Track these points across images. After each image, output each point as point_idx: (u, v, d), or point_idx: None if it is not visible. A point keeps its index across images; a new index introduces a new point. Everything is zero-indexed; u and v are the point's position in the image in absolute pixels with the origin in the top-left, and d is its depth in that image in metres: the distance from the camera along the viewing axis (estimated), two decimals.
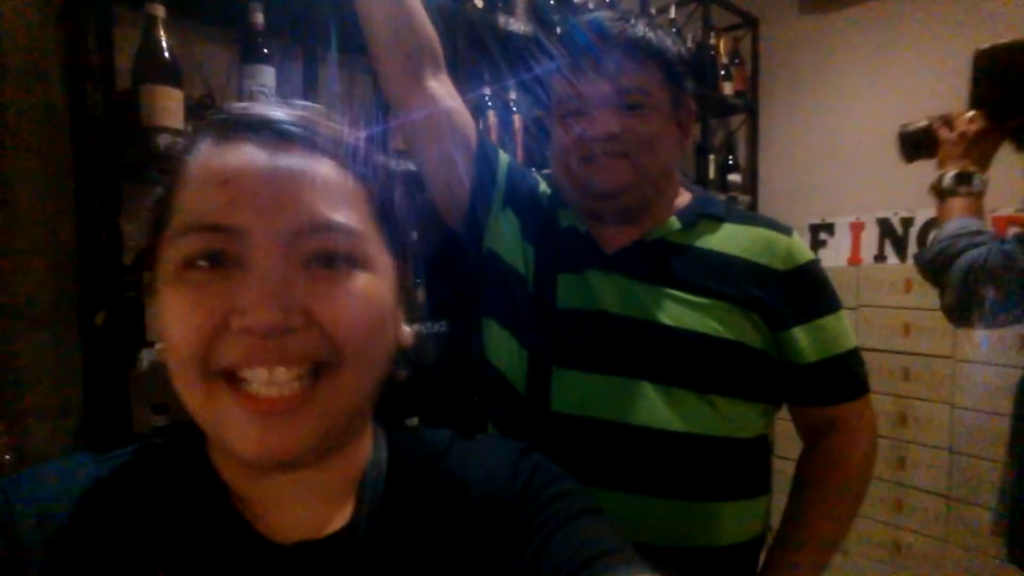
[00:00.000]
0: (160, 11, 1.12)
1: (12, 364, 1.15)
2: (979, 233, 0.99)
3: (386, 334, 0.43)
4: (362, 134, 0.46)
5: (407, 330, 0.48)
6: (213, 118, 0.43)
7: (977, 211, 1.03)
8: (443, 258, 1.38)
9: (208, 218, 0.38)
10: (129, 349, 1.08)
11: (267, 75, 1.24)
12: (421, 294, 1.50)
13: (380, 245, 0.44)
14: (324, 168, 0.41)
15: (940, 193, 1.06)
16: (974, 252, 0.96)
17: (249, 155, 0.39)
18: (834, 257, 2.50)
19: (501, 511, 0.48)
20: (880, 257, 2.40)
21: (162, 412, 1.14)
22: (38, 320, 1.17)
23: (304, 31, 1.35)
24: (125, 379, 1.11)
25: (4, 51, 1.13)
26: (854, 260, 2.45)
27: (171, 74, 1.12)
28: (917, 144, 1.11)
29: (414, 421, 1.47)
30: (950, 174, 1.04)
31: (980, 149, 1.03)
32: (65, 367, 1.17)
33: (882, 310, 2.20)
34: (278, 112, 0.42)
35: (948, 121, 1.07)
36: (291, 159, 0.40)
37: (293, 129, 0.41)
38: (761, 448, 0.88)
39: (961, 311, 0.98)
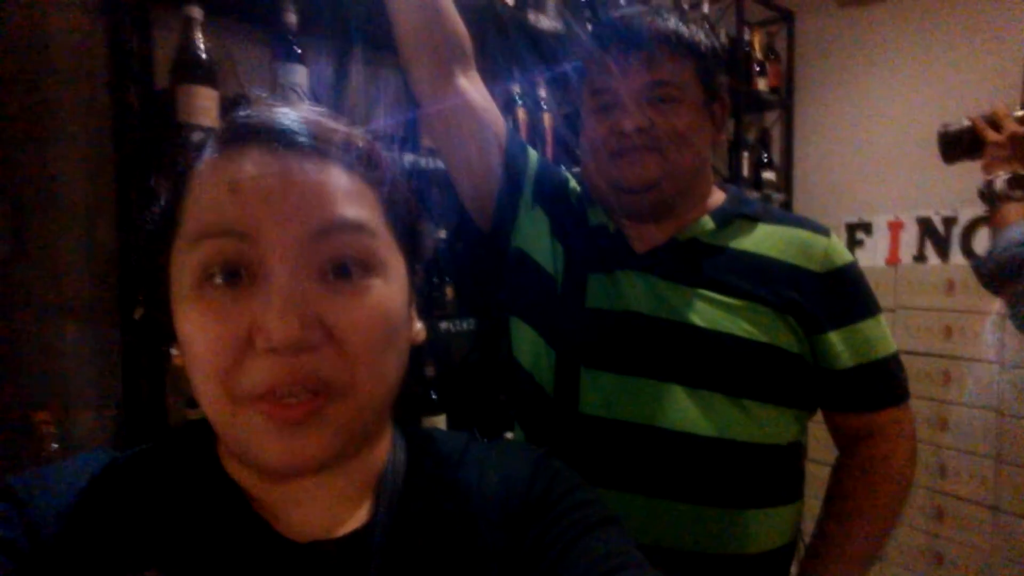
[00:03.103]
0: (197, 13, 1.15)
1: (56, 357, 1.19)
2: None
3: (400, 340, 0.44)
4: (369, 134, 0.46)
5: (419, 326, 0.48)
6: (221, 126, 0.43)
7: None
8: (471, 256, 1.39)
9: (220, 224, 0.38)
10: (166, 343, 1.10)
11: (299, 74, 1.26)
12: (450, 292, 1.50)
13: (392, 246, 0.44)
14: (334, 173, 0.41)
15: (993, 198, 1.01)
16: None
17: (257, 161, 0.39)
18: (871, 257, 2.42)
19: (519, 518, 0.47)
20: (920, 257, 2.32)
21: (195, 406, 1.17)
22: (80, 315, 1.21)
23: (336, 30, 1.36)
24: (162, 372, 1.14)
25: (52, 53, 1.17)
26: (892, 260, 2.38)
27: (207, 74, 1.14)
28: (959, 145, 1.07)
29: (442, 418, 1.48)
30: (1003, 178, 1.00)
31: None
32: (105, 360, 1.21)
33: (922, 312, 2.13)
34: (283, 116, 0.42)
35: (993, 121, 1.02)
36: (301, 165, 0.40)
37: (300, 132, 0.41)
38: (794, 455, 0.86)
39: None
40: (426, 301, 1.45)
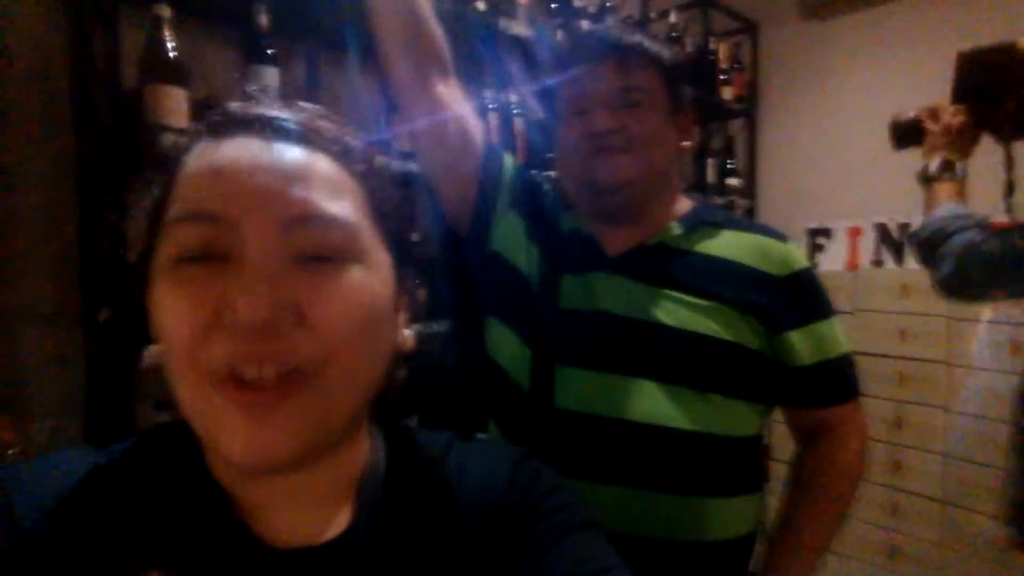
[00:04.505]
0: (166, 11, 1.13)
1: (17, 361, 1.15)
2: (969, 216, 1.06)
3: (380, 334, 0.43)
4: (360, 132, 0.46)
5: (408, 334, 0.47)
6: (210, 117, 0.43)
7: (962, 196, 1.11)
8: (447, 259, 1.39)
9: (200, 208, 0.38)
10: (132, 346, 1.08)
11: (271, 76, 1.25)
12: (422, 294, 1.51)
13: (376, 242, 0.43)
14: (319, 163, 0.41)
15: (927, 179, 1.14)
16: (970, 232, 1.02)
17: (244, 149, 0.39)
18: (832, 262, 2.51)
19: (499, 519, 0.48)
20: (877, 262, 2.41)
21: (165, 408, 1.15)
22: (42, 317, 1.18)
23: (308, 33, 1.36)
24: (129, 376, 1.11)
25: (10, 51, 1.13)
26: (852, 265, 2.47)
27: (176, 74, 1.13)
28: (906, 133, 1.19)
29: (413, 421, 1.48)
30: (935, 162, 1.12)
31: (963, 140, 1.11)
32: (69, 364, 1.18)
33: (879, 315, 2.21)
34: (275, 108, 0.42)
35: (934, 113, 1.15)
36: (287, 153, 0.40)
37: (289, 124, 0.41)
38: (756, 447, 0.90)
39: (955, 284, 1.04)
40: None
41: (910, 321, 2.13)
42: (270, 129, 0.40)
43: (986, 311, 1.97)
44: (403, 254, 0.46)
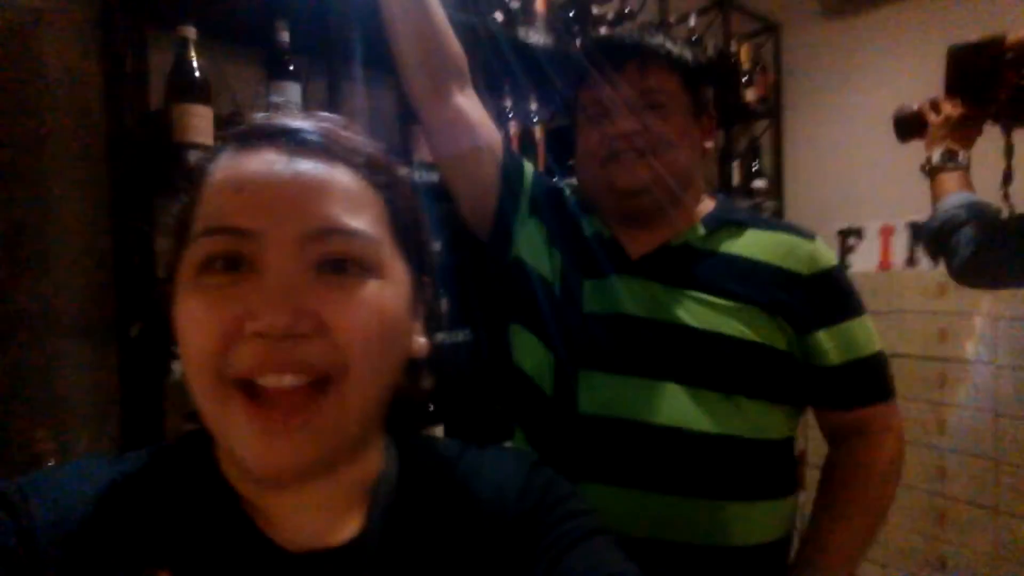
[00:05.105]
0: (192, 33, 1.17)
1: (54, 373, 1.19)
2: (981, 203, 1.06)
3: (396, 344, 0.43)
4: (381, 145, 0.46)
5: (422, 341, 0.48)
6: (235, 130, 0.44)
7: (968, 184, 1.11)
8: (470, 267, 1.40)
9: (224, 221, 0.39)
10: (162, 359, 1.11)
11: (293, 91, 1.28)
12: (444, 303, 1.51)
13: (395, 254, 0.44)
14: (341, 175, 0.41)
15: (931, 171, 1.15)
16: (985, 219, 1.02)
17: (267, 161, 0.40)
18: (864, 262, 2.45)
19: (512, 527, 0.48)
20: (912, 261, 2.34)
21: (194, 420, 1.17)
22: (78, 332, 1.21)
23: (328, 48, 1.39)
24: (160, 388, 1.14)
25: (47, 75, 1.18)
26: (884, 265, 2.40)
27: (201, 93, 1.16)
28: (909, 126, 1.21)
29: (439, 429, 1.48)
30: (937, 152, 1.13)
31: (964, 130, 1.12)
32: (103, 377, 1.21)
33: (916, 315, 2.14)
34: (298, 121, 0.43)
35: (936, 105, 1.16)
36: (308, 165, 0.40)
37: (311, 137, 0.42)
38: (787, 450, 0.87)
39: (972, 271, 1.03)
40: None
41: (949, 321, 2.06)
42: (292, 141, 0.41)
43: None
44: (421, 264, 0.47)
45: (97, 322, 1.22)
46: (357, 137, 0.45)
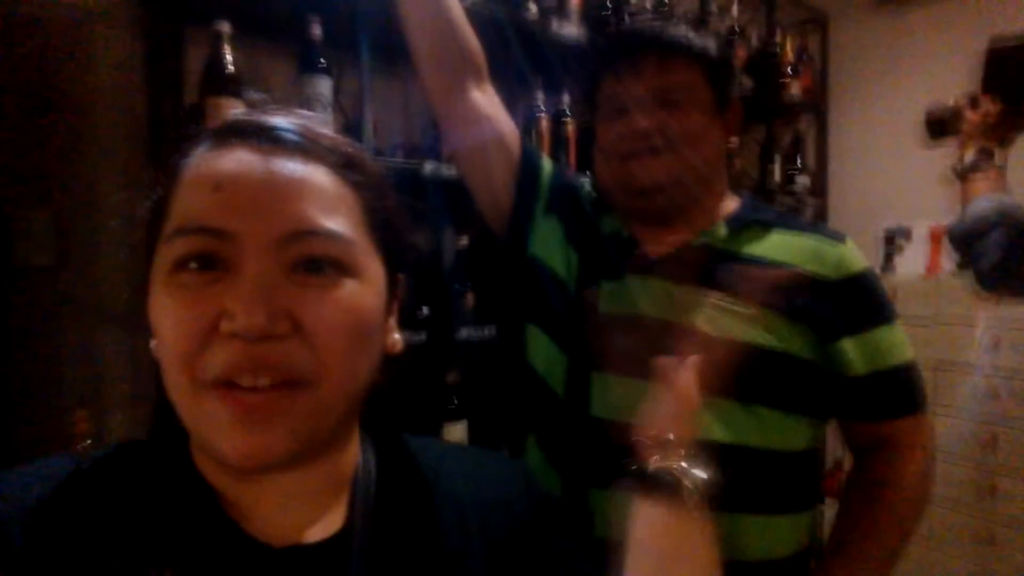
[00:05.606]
0: (226, 27, 1.19)
1: (94, 358, 1.24)
2: (1013, 206, 1.01)
3: (372, 343, 0.43)
4: (356, 142, 0.46)
5: (397, 337, 0.48)
6: (212, 126, 0.44)
7: (1002, 187, 1.05)
8: (492, 263, 1.40)
9: (200, 221, 0.39)
10: None
11: (324, 85, 1.29)
12: (471, 299, 1.52)
13: (371, 253, 0.44)
14: (317, 175, 0.41)
15: (962, 171, 1.09)
16: (1015, 222, 0.98)
17: (242, 160, 0.40)
18: (910, 265, 2.34)
19: (503, 539, 0.48)
20: (962, 265, 2.23)
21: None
22: (117, 318, 1.26)
23: (359, 43, 1.40)
24: None
25: (94, 70, 1.23)
26: (932, 269, 2.29)
27: (234, 86, 1.18)
28: (943, 124, 1.15)
29: (463, 424, 1.48)
30: (972, 152, 1.08)
31: (1002, 129, 1.07)
32: (140, 360, 1.26)
33: (964, 323, 2.04)
34: (275, 119, 0.43)
35: (975, 100, 1.10)
36: (284, 165, 0.40)
37: (288, 135, 0.42)
38: (809, 462, 0.84)
39: (999, 277, 1.00)
40: (446, 308, 1.46)
41: (1004, 330, 1.95)
42: (269, 139, 0.41)
43: None
44: (397, 261, 0.47)
45: (135, 309, 1.27)
46: (333, 135, 0.45)
